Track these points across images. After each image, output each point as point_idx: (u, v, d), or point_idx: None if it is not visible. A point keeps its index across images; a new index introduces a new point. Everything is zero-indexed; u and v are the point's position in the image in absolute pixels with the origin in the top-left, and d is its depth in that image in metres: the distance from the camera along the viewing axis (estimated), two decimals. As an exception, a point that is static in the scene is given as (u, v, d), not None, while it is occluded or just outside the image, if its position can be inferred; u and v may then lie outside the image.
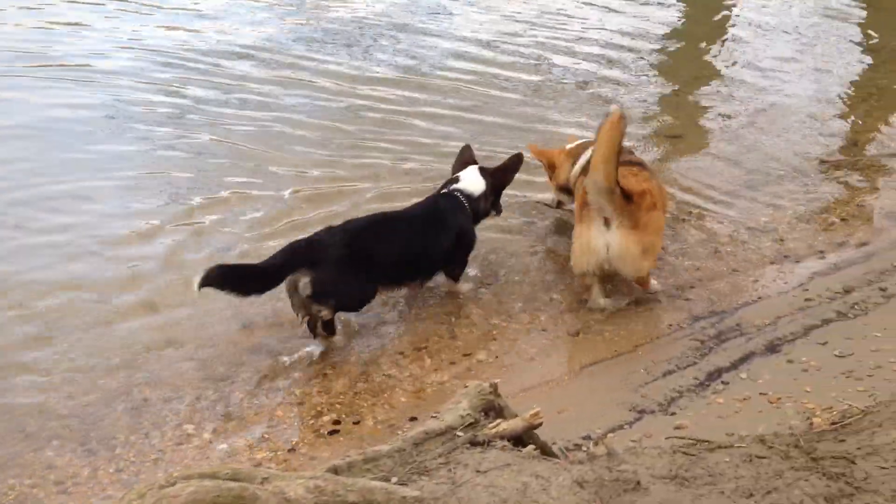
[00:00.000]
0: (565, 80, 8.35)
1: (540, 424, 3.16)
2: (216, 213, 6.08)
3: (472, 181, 5.44)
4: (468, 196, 5.38)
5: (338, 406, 4.50)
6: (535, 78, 8.40)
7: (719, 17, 10.25)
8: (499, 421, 3.00)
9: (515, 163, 5.57)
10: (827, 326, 4.92)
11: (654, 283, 5.45)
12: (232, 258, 5.47)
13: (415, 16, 9.85)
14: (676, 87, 8.33)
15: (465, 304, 5.32)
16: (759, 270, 5.69)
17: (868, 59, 8.92)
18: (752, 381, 4.47)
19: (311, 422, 4.39)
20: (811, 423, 3.86)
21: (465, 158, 5.65)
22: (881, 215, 6.21)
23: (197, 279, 4.45)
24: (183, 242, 5.77)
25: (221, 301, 5.10)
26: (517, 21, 9.86)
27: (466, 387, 3.10)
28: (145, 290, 5.34)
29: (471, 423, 2.96)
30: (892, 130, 7.48)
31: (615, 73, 8.53)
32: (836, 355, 4.58)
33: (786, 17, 10.08)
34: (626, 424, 4.22)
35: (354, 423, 4.37)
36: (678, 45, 9.35)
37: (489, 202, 5.52)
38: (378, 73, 8.38)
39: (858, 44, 9.30)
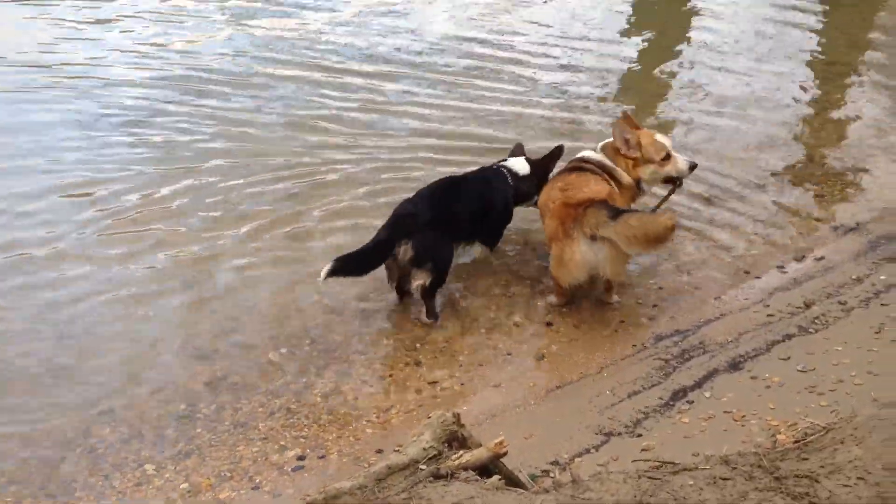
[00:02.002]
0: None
1: (505, 453, 3.14)
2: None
3: (518, 163, 6.05)
4: (513, 173, 5.95)
5: (302, 440, 4.44)
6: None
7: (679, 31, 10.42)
8: (462, 452, 2.97)
9: (556, 152, 6.11)
10: (789, 341, 4.97)
11: (616, 296, 5.60)
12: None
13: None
14: (633, 108, 8.40)
15: (430, 330, 5.29)
16: (720, 287, 5.72)
17: (822, 74, 9.05)
18: (716, 399, 4.49)
19: (275, 457, 4.33)
20: (775, 440, 3.88)
21: (516, 151, 6.26)
22: (838, 229, 6.27)
23: (324, 270, 5.04)
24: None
25: (175, 335, 5.18)
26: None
27: (429, 418, 3.07)
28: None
29: (434, 456, 2.93)
30: (846, 144, 7.57)
31: (573, 106, 8.56)
32: (798, 370, 4.62)
33: (741, 30, 10.19)
34: (593, 448, 4.22)
35: (319, 458, 4.31)
36: (638, 67, 9.42)
37: (532, 185, 5.97)
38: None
39: (812, 59, 9.44)
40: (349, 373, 4.93)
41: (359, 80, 8.62)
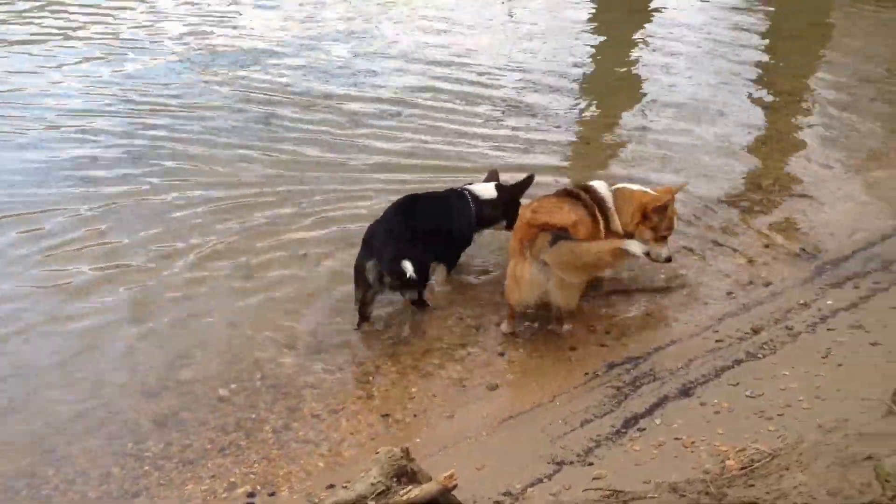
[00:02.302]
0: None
1: (454, 486, 3.12)
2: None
3: (483, 187, 6.08)
4: (475, 197, 5.96)
5: (252, 477, 4.37)
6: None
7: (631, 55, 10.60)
8: (411, 487, 2.94)
9: (527, 181, 6.17)
10: (738, 367, 5.01)
11: (568, 326, 5.59)
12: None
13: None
14: (584, 138, 8.53)
15: (383, 362, 5.26)
16: (671, 313, 5.78)
17: (767, 103, 9.25)
18: (666, 425, 4.51)
19: (225, 496, 4.25)
20: (724, 466, 3.91)
21: (490, 177, 6.30)
22: (785, 255, 6.37)
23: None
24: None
25: (121, 371, 5.12)
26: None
27: (377, 453, 3.04)
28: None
29: (382, 491, 2.91)
30: (792, 172, 7.72)
31: (525, 122, 8.65)
32: (747, 396, 4.66)
33: (690, 60, 10.41)
34: (545, 477, 4.20)
35: (269, 495, 4.24)
36: (586, 99, 9.56)
37: (498, 210, 6.03)
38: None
39: (758, 88, 9.65)
40: (300, 407, 4.87)
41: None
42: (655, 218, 5.66)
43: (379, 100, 9.14)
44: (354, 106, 8.95)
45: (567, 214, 5.39)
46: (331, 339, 5.45)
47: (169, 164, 7.64)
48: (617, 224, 5.74)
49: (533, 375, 5.19)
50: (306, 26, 11.61)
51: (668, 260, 5.81)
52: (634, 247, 5.23)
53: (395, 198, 5.88)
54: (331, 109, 8.86)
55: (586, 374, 5.16)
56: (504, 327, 5.56)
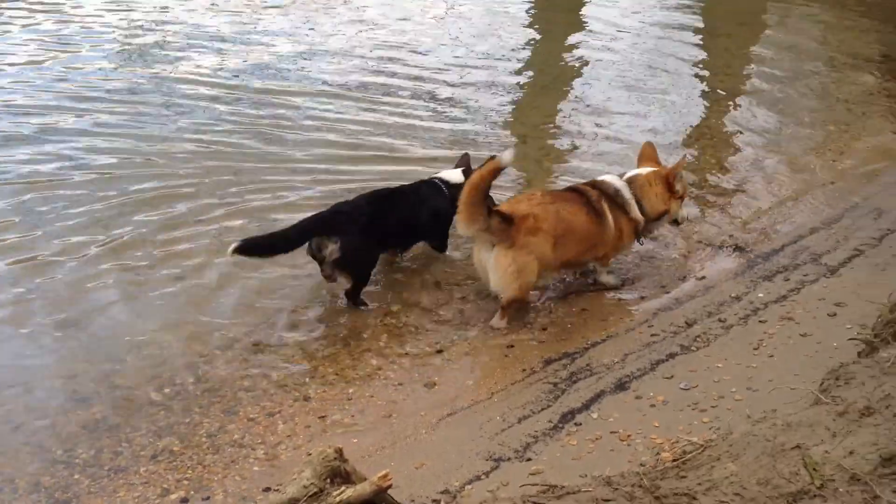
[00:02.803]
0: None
1: (389, 486, 3.08)
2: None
3: (451, 173, 6.38)
4: (446, 182, 6.26)
5: (186, 482, 4.28)
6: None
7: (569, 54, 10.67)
8: (344, 488, 2.90)
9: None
10: (672, 360, 5.08)
11: (501, 321, 5.58)
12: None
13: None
14: (521, 135, 8.55)
15: (320, 363, 5.21)
16: (606, 309, 5.83)
17: (700, 99, 9.40)
18: (603, 419, 4.55)
19: (158, 502, 4.15)
20: (659, 458, 3.95)
21: (461, 162, 6.57)
22: (718, 249, 6.48)
23: (231, 246, 5.29)
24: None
25: (50, 376, 4.99)
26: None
27: (309, 455, 3.00)
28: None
29: (315, 494, 2.86)
30: (725, 166, 7.86)
31: (458, 126, 8.65)
32: (681, 388, 4.72)
33: (626, 56, 10.53)
34: (483, 474, 4.19)
35: (204, 500, 4.15)
36: (523, 95, 9.61)
37: None
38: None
39: (691, 85, 9.80)
40: (236, 410, 4.79)
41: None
42: (678, 185, 5.96)
43: (321, 93, 9.13)
44: (297, 100, 8.91)
45: (524, 207, 5.50)
46: (267, 340, 5.38)
47: (104, 159, 7.54)
48: (636, 212, 5.89)
49: (471, 373, 5.18)
50: (243, 20, 11.48)
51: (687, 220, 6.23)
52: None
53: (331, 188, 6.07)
54: (271, 103, 8.78)
55: (524, 370, 5.18)
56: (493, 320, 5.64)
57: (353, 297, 5.74)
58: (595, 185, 5.89)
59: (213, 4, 12.31)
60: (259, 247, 5.47)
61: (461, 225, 5.31)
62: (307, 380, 5.06)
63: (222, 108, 8.73)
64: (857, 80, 9.64)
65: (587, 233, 5.67)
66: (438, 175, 6.41)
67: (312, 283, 5.94)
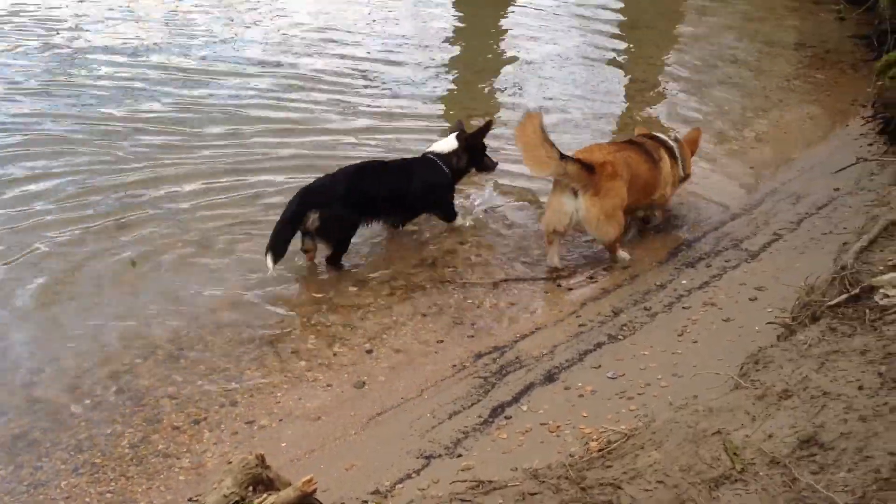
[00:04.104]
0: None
1: (314, 491, 3.04)
2: None
3: (441, 144, 6.67)
4: (439, 154, 6.55)
5: (108, 496, 4.17)
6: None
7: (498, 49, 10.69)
8: (266, 495, 2.85)
9: (485, 126, 6.77)
10: (600, 350, 5.12)
11: (623, 254, 6.15)
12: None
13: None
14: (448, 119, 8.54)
15: (246, 367, 5.11)
16: (536, 301, 5.85)
17: (621, 90, 9.50)
18: (532, 412, 4.56)
19: (79, 517, 4.05)
20: (588, 449, 3.98)
21: (454, 128, 6.91)
22: (641, 240, 6.56)
23: (269, 262, 5.74)
24: None
25: None
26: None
27: (230, 463, 2.93)
28: None
29: (236, 502, 2.80)
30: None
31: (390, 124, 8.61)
32: (608, 377, 4.76)
33: (549, 48, 10.58)
34: (414, 472, 4.18)
35: (127, 513, 4.07)
36: (453, 82, 9.60)
37: (462, 160, 6.63)
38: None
39: (612, 76, 9.89)
40: (159, 419, 4.68)
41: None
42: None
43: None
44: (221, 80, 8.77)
45: (599, 156, 5.93)
46: (191, 346, 5.26)
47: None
48: (679, 169, 6.49)
49: (401, 370, 5.14)
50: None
51: None
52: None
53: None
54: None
55: (454, 365, 5.16)
56: (548, 259, 6.13)
57: (334, 262, 6.13)
58: (652, 137, 6.48)
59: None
60: (282, 244, 5.86)
61: (532, 169, 5.78)
62: (233, 384, 4.97)
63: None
64: (775, 67, 9.85)
65: (648, 179, 6.20)
66: (431, 149, 6.67)
67: (235, 285, 5.84)
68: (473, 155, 6.70)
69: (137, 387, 4.93)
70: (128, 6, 11.76)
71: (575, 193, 5.84)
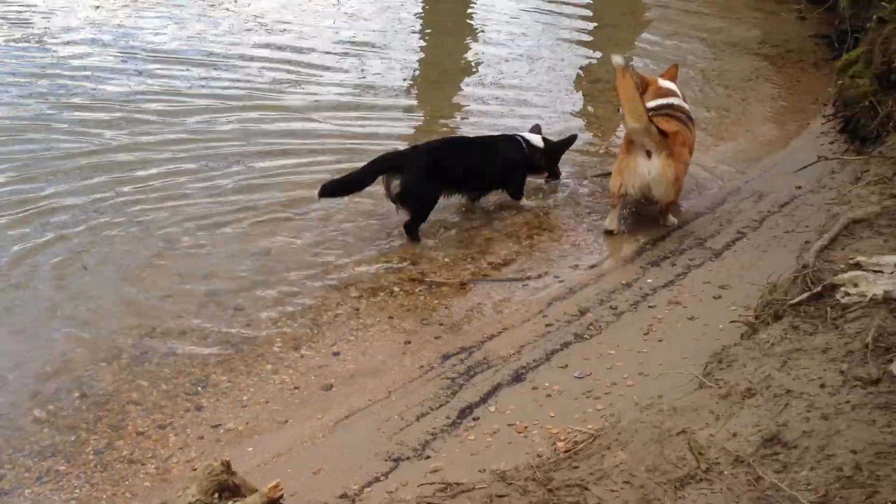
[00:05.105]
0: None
1: (280, 497, 3.03)
2: None
3: (533, 137, 7.13)
4: (527, 141, 7.01)
5: (73, 503, 4.12)
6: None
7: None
8: (231, 502, 2.83)
9: (570, 139, 7.30)
10: (567, 349, 5.14)
11: (671, 218, 6.54)
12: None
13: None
14: (416, 127, 8.55)
15: (212, 371, 5.07)
16: (503, 301, 5.85)
17: (586, 90, 9.54)
18: (500, 412, 4.57)
19: (42, 527, 3.99)
20: (555, 449, 4.00)
21: (534, 129, 7.32)
22: (607, 237, 6.59)
23: (317, 192, 6.30)
24: None
25: None
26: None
27: (195, 470, 2.91)
28: None
29: (202, 510, 2.78)
30: (611, 157, 7.95)
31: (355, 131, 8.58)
32: (575, 377, 4.79)
33: (514, 47, 10.60)
34: (382, 475, 4.17)
35: (91, 521, 4.02)
36: (417, 87, 9.59)
37: (542, 159, 7.10)
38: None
39: (576, 77, 9.94)
40: (124, 425, 4.63)
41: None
42: None
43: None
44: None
45: (668, 126, 6.31)
46: (156, 349, 5.21)
47: None
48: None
49: (369, 372, 5.12)
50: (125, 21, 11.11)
51: None
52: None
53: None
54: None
55: (421, 367, 5.15)
56: (607, 223, 6.52)
57: (411, 229, 6.49)
58: (678, 108, 6.69)
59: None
60: (340, 188, 6.36)
61: (630, 120, 6.11)
62: (199, 389, 4.92)
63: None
64: (736, 66, 9.94)
65: (692, 146, 6.64)
66: (522, 133, 7.12)
67: (200, 287, 5.79)
68: (551, 160, 7.19)
69: (101, 392, 4.86)
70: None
71: (649, 155, 6.20)
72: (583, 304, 5.65)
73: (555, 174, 7.29)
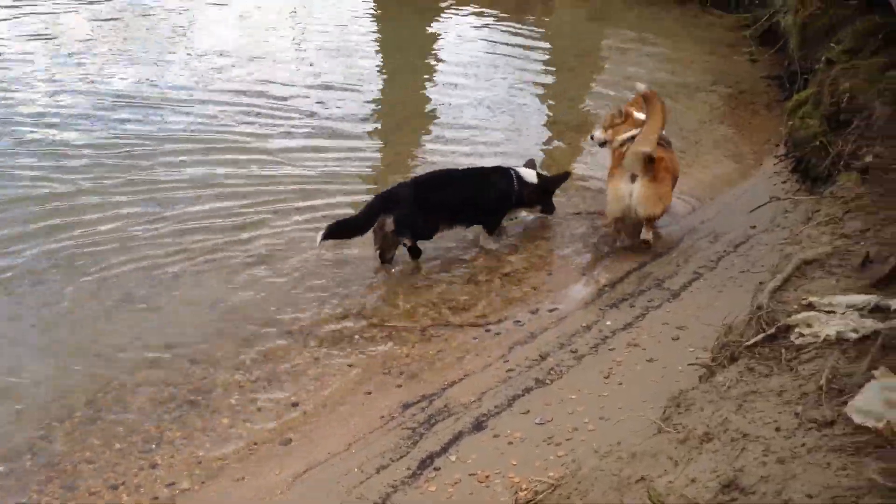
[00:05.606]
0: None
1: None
2: None
3: (525, 171, 7.29)
4: (518, 176, 7.16)
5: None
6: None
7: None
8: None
9: (563, 175, 7.60)
10: (528, 395, 5.09)
11: (650, 234, 6.86)
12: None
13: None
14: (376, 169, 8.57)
15: (167, 427, 4.97)
16: (463, 347, 5.82)
17: (544, 131, 9.63)
18: (462, 462, 4.51)
19: None
20: (517, 499, 3.95)
21: (528, 164, 7.49)
22: (568, 278, 6.62)
23: (318, 235, 6.34)
24: None
25: None
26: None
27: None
28: None
29: (151, 578, 2.69)
30: (571, 199, 8.02)
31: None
32: (536, 423, 4.74)
33: (475, 90, 10.68)
34: (341, 532, 4.10)
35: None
36: (380, 128, 9.62)
37: (533, 194, 7.25)
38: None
39: (536, 118, 10.03)
40: (76, 486, 4.52)
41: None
42: None
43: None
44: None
45: (659, 152, 6.63)
46: (109, 407, 5.11)
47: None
48: None
49: (328, 424, 5.06)
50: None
51: None
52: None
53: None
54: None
55: (382, 416, 5.10)
56: (619, 244, 6.97)
57: (415, 253, 6.79)
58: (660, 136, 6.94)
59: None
60: (341, 230, 6.48)
61: (644, 146, 6.46)
62: (153, 446, 4.83)
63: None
64: (690, 108, 10.09)
65: (677, 170, 7.06)
66: (513, 167, 7.29)
67: (155, 341, 5.70)
68: (544, 196, 7.34)
69: (53, 452, 4.76)
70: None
71: (633, 179, 6.58)
72: (543, 348, 5.63)
73: (549, 209, 7.43)
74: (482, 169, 7.35)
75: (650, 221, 6.85)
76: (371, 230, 6.57)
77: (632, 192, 6.61)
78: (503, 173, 7.20)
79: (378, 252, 6.71)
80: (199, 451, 4.79)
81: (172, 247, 6.80)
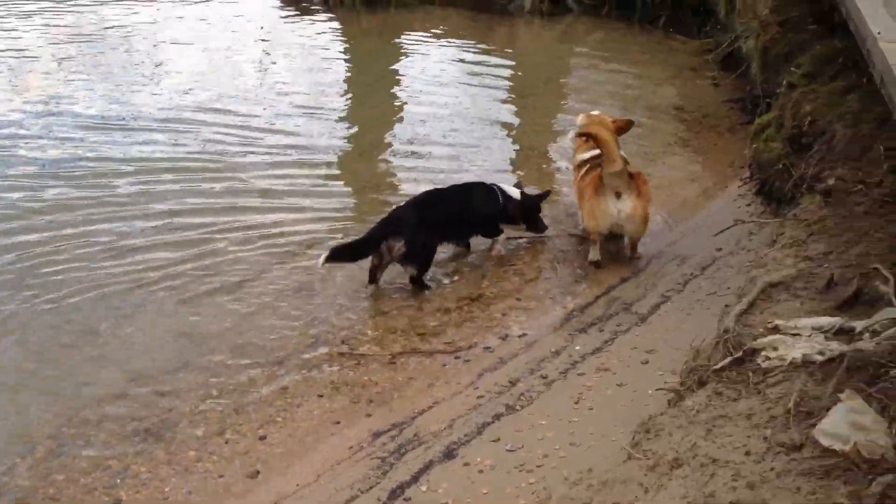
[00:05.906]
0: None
1: None
2: None
3: (510, 188, 7.51)
4: (502, 192, 7.36)
5: None
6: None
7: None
8: None
9: (545, 194, 7.70)
10: (498, 422, 5.07)
11: (639, 251, 7.11)
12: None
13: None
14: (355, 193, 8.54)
15: (132, 461, 4.88)
16: (433, 374, 5.79)
17: (512, 158, 9.67)
18: (432, 491, 4.47)
19: None
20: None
21: (516, 185, 7.73)
22: (537, 303, 6.62)
23: (322, 257, 6.40)
24: None
25: None
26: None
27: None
28: None
29: None
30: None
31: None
32: (507, 450, 4.72)
33: (439, 121, 10.69)
34: (310, 568, 4.04)
35: None
36: (346, 164, 9.60)
37: (517, 211, 7.39)
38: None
39: (502, 146, 10.06)
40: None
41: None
42: None
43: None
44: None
45: (633, 168, 6.90)
46: (73, 442, 5.01)
47: None
48: None
49: (297, 456, 5.00)
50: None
51: None
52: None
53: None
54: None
55: (351, 447, 5.05)
56: (591, 256, 7.01)
57: (419, 282, 6.77)
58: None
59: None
60: (344, 254, 6.55)
61: (612, 165, 6.59)
62: (118, 481, 4.74)
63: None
64: (654, 131, 10.17)
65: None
66: (498, 183, 7.48)
67: (119, 373, 5.61)
68: (527, 213, 7.45)
69: (15, 488, 4.67)
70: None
71: (618, 196, 6.66)
72: (513, 374, 5.62)
73: (537, 228, 7.53)
74: (467, 185, 7.53)
75: (636, 239, 7.08)
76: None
77: (619, 210, 6.73)
78: (488, 188, 7.38)
79: (370, 270, 6.75)
80: (165, 485, 4.71)
81: (134, 274, 6.71)
